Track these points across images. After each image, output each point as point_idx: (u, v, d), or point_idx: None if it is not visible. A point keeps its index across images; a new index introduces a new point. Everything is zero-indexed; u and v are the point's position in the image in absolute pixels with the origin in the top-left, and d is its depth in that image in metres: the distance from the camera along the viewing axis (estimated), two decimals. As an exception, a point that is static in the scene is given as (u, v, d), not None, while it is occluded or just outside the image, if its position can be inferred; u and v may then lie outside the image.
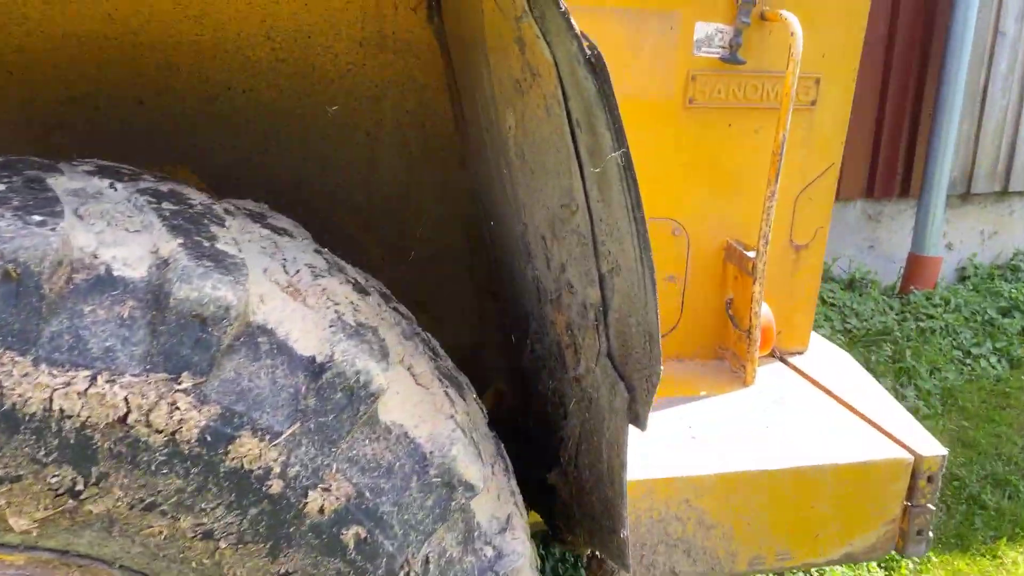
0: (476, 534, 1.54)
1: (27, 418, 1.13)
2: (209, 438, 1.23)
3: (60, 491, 1.18)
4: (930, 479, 2.21)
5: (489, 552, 1.56)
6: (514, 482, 1.76)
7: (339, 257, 2.20)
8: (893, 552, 2.31)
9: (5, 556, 1.27)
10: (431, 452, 1.45)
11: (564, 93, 1.47)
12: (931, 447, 2.27)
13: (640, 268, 1.44)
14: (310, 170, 2.19)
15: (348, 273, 1.60)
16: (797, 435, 2.32)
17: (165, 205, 1.38)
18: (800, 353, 2.80)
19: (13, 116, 1.97)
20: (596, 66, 1.34)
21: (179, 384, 1.21)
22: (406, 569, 1.42)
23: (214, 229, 1.37)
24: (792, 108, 2.32)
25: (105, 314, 1.18)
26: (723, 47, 2.40)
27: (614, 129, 1.37)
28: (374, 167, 2.25)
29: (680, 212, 2.54)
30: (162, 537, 1.29)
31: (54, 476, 1.17)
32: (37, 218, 1.19)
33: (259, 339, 1.29)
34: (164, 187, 1.47)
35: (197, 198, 1.51)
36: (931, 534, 2.26)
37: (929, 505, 2.24)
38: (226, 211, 1.50)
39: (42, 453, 1.15)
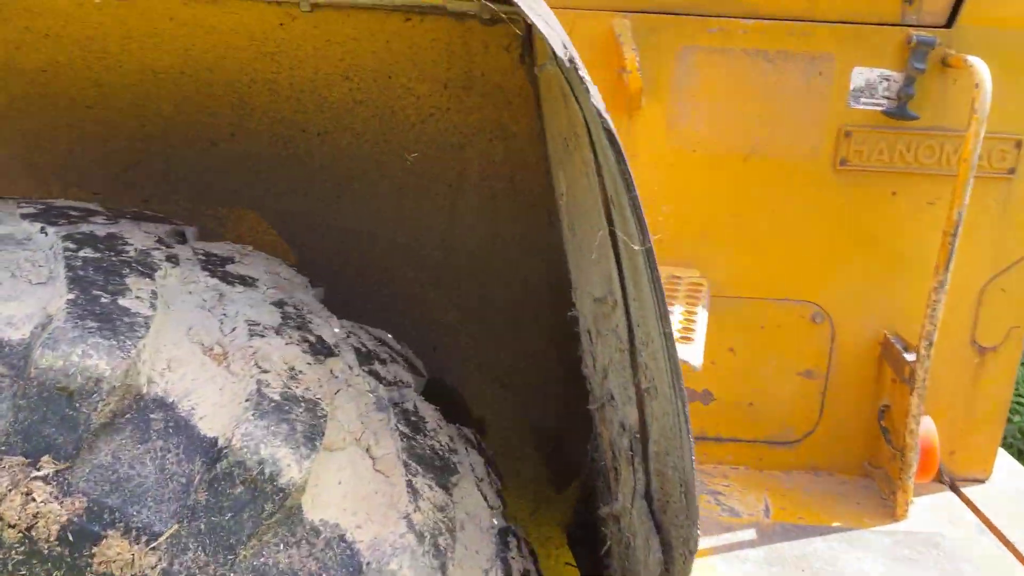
0: None
1: None
2: (71, 537, 1.03)
3: None
4: None
5: None
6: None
7: (407, 317, 1.99)
8: None
9: None
10: (368, 563, 1.17)
11: (597, 161, 1.15)
12: None
13: (673, 396, 1.09)
14: (384, 221, 2.00)
15: (311, 331, 1.36)
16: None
17: (85, 252, 1.21)
18: (980, 482, 2.22)
19: (92, 152, 1.94)
20: (612, 139, 1.01)
21: (37, 470, 1.02)
22: None
23: (131, 281, 1.19)
24: (973, 176, 1.81)
25: None
26: (889, 98, 1.94)
27: (636, 216, 1.03)
28: (454, 221, 2.01)
29: (823, 295, 2.09)
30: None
31: None
32: None
33: (152, 415, 1.08)
34: (104, 231, 1.31)
35: (138, 244, 1.33)
36: None
37: None
38: (169, 258, 1.31)
39: None
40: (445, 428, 1.48)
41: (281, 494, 1.09)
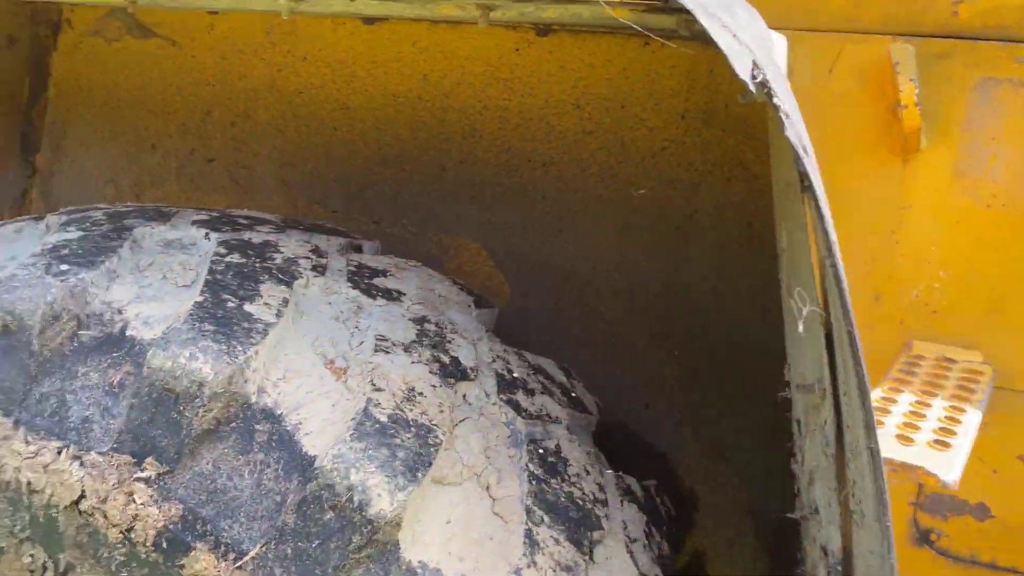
0: None
1: (3, 487, 1.02)
2: (165, 544, 0.99)
3: (37, 573, 1.05)
4: None
5: None
6: None
7: (619, 367, 1.81)
8: None
9: None
10: None
11: (818, 211, 0.91)
12: None
13: (880, 533, 0.81)
14: (603, 260, 1.85)
15: (447, 351, 1.23)
16: None
17: (231, 258, 1.19)
18: None
19: (334, 172, 2.01)
20: (807, 183, 0.78)
21: (141, 471, 0.99)
22: None
23: (264, 288, 1.15)
24: None
25: (98, 379, 1.03)
26: None
27: (838, 287, 0.79)
28: (680, 268, 1.81)
29: None
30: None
31: (28, 556, 1.04)
32: (63, 268, 1.09)
33: (257, 426, 1.02)
34: (261, 239, 1.28)
35: (289, 252, 1.29)
36: None
37: None
38: (315, 267, 1.25)
39: (17, 527, 1.03)
40: (594, 475, 1.29)
41: (370, 526, 0.98)
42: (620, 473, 1.44)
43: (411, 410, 1.11)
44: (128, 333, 1.07)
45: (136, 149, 2.17)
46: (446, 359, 1.23)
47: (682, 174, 1.77)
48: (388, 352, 1.17)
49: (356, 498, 0.99)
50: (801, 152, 0.77)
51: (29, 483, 1.02)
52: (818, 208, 0.77)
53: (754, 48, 0.82)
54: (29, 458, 1.02)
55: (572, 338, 1.90)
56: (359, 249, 1.56)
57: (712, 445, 1.87)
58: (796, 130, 0.78)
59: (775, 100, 0.79)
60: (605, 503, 1.29)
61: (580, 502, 1.24)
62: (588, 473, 1.30)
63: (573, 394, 1.53)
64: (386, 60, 1.92)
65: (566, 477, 1.24)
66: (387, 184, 1.98)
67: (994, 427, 1.53)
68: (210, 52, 2.07)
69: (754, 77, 0.79)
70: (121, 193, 2.23)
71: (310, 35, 1.97)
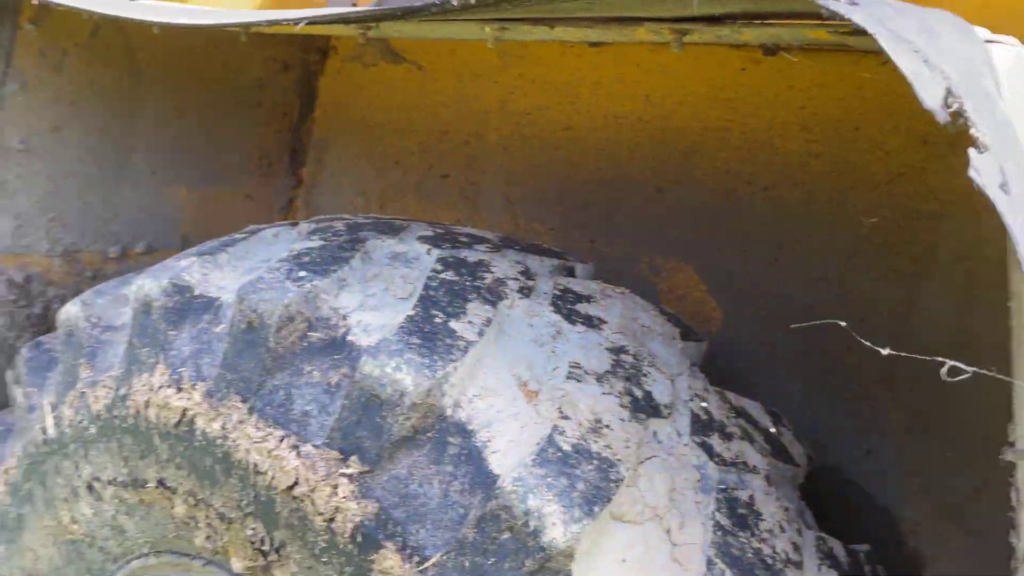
0: None
1: (226, 461, 1.15)
2: (360, 538, 1.06)
3: (256, 544, 1.17)
4: None
5: None
6: None
7: (839, 409, 1.70)
8: None
9: None
10: None
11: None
12: None
13: None
14: (825, 293, 1.73)
15: (640, 385, 1.19)
16: None
17: (445, 275, 1.25)
18: None
19: (553, 190, 2.06)
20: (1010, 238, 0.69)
21: (346, 467, 1.07)
22: None
23: (471, 306, 1.19)
24: None
25: (318, 374, 1.13)
26: None
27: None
28: (912, 306, 1.64)
29: None
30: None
31: (251, 528, 1.16)
32: (302, 274, 1.20)
33: (450, 438, 1.07)
34: (476, 257, 1.33)
35: (500, 273, 1.32)
36: None
37: None
38: (522, 290, 1.27)
39: (231, 485, 1.16)
40: (791, 533, 1.20)
41: (542, 553, 1.00)
42: (823, 535, 1.34)
43: (596, 442, 1.12)
44: (348, 338, 1.18)
45: (383, 164, 2.36)
46: (639, 393, 1.22)
47: (920, 204, 1.61)
48: (580, 380, 1.18)
49: (532, 524, 1.02)
50: (994, 191, 0.68)
51: (255, 465, 1.15)
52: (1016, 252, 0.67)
53: (952, 74, 0.73)
54: (257, 442, 1.15)
55: (786, 370, 1.79)
56: (571, 271, 1.59)
57: (942, 507, 1.67)
58: (996, 164, 0.69)
59: (972, 131, 0.70)
60: (799, 565, 1.21)
61: (769, 560, 1.17)
62: (783, 530, 1.23)
63: (779, 442, 1.44)
64: (609, 81, 1.93)
65: (756, 532, 1.18)
66: (603, 203, 2.00)
67: None
68: (450, 75, 2.20)
69: (947, 106, 0.71)
70: (368, 204, 2.44)
71: (539, 57, 2.03)
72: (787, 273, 1.77)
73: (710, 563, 1.08)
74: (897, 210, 1.63)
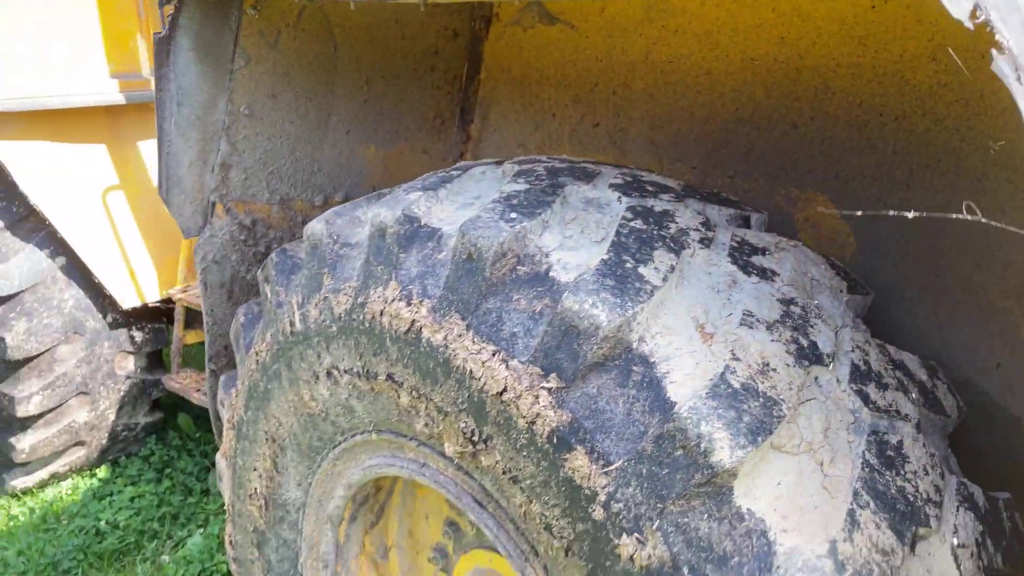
0: None
1: (447, 366, 1.45)
2: (555, 440, 1.32)
3: (467, 435, 1.47)
4: None
5: None
6: None
7: (981, 335, 1.78)
8: None
9: (456, 475, 1.62)
10: (778, 567, 1.19)
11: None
12: None
13: None
14: (954, 219, 1.82)
15: (807, 334, 1.37)
16: None
17: (635, 224, 1.46)
18: None
19: (694, 133, 2.24)
20: None
21: (547, 381, 1.33)
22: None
23: (657, 254, 1.39)
24: None
25: (524, 302, 1.39)
26: None
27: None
28: (1041, 226, 1.71)
29: None
30: (521, 512, 1.45)
31: (464, 422, 1.46)
32: (513, 216, 1.47)
33: (634, 367, 1.29)
34: (662, 207, 1.54)
35: (682, 223, 1.52)
36: None
37: None
38: (702, 240, 1.47)
39: (448, 386, 1.46)
40: (934, 476, 1.36)
41: (710, 470, 1.20)
42: (965, 481, 1.47)
43: (763, 382, 1.29)
44: (550, 274, 1.41)
45: (540, 117, 2.62)
46: (804, 342, 1.39)
47: (1048, 125, 1.67)
48: (752, 327, 1.35)
49: (703, 445, 1.22)
50: (1012, 83, 0.83)
51: (471, 371, 1.44)
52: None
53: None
54: (473, 354, 1.42)
55: (917, 289, 1.90)
56: (747, 220, 1.77)
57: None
58: (1014, 62, 0.84)
59: (997, 37, 0.85)
60: (939, 504, 1.36)
61: (911, 497, 1.33)
62: (927, 473, 1.38)
63: (932, 394, 1.57)
64: (746, 27, 2.09)
65: (901, 472, 1.34)
66: (742, 141, 2.16)
67: None
68: (599, 32, 2.42)
69: (975, 17, 0.86)
70: (528, 154, 2.71)
71: (681, 9, 2.21)
72: (919, 197, 1.88)
73: (856, 494, 1.25)
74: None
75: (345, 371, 1.71)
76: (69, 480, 4.00)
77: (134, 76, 3.63)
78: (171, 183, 2.29)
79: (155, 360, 4.10)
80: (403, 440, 1.69)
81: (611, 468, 1.28)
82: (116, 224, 3.70)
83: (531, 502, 1.40)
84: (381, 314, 1.59)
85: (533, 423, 1.36)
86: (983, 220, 1.20)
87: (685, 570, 1.22)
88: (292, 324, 1.82)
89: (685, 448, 1.22)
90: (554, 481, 1.35)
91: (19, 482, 3.86)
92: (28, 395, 3.55)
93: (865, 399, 1.39)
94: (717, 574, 1.21)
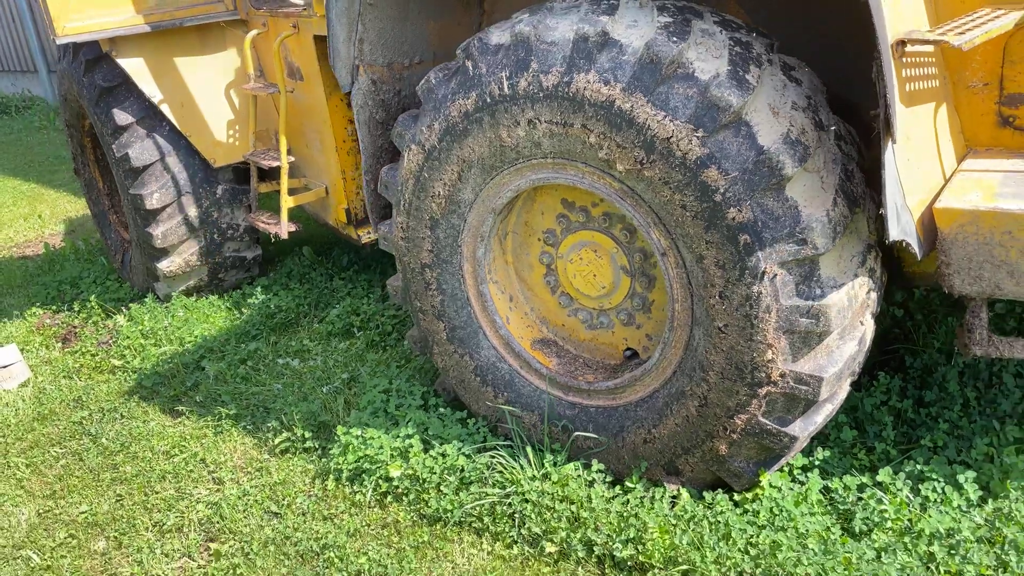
0: (815, 278, 2.75)
1: (631, 122, 2.77)
2: (699, 162, 2.72)
3: (638, 159, 2.81)
4: None
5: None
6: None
7: None
8: None
9: (612, 182, 2.97)
10: (801, 222, 2.74)
11: None
12: None
13: None
14: None
15: (817, 114, 2.80)
16: None
17: (738, 50, 2.79)
18: None
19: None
20: None
21: (696, 132, 2.70)
22: (766, 274, 2.72)
23: (751, 67, 2.74)
24: None
25: (683, 89, 2.72)
26: None
27: None
28: None
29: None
30: (663, 201, 2.84)
31: (637, 152, 2.80)
32: (674, 40, 2.75)
33: (742, 127, 2.68)
34: (745, 39, 2.89)
35: (757, 51, 2.89)
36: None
37: None
38: (768, 60, 2.83)
39: (630, 133, 2.79)
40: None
41: (779, 175, 2.62)
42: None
43: (802, 138, 2.69)
44: (695, 75, 2.65)
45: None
46: (817, 118, 2.79)
47: None
48: (796, 109, 2.66)
49: (776, 164, 2.67)
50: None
51: (649, 125, 2.75)
52: None
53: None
54: (651, 115, 2.74)
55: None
56: (773, 46, 3.17)
57: None
58: None
59: None
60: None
61: (851, 190, 2.94)
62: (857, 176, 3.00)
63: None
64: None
65: (854, 179, 2.84)
66: None
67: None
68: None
69: None
70: None
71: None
72: None
73: (836, 193, 2.82)
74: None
75: (546, 121, 2.96)
76: (239, 290, 5.83)
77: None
78: (335, 55, 3.53)
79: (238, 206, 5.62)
80: (576, 164, 3.00)
81: (728, 177, 2.73)
82: (208, 110, 5.18)
83: (675, 194, 2.82)
84: (584, 89, 2.84)
85: (686, 153, 2.76)
86: None
87: (759, 225, 2.73)
88: (501, 88, 3.00)
89: (768, 167, 2.69)
90: (694, 184, 2.77)
91: (162, 291, 5.61)
92: (161, 233, 5.28)
93: (840, 147, 2.84)
94: (775, 225, 2.72)
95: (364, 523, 3.39)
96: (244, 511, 3.57)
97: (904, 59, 2.60)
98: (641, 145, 2.77)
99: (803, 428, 2.87)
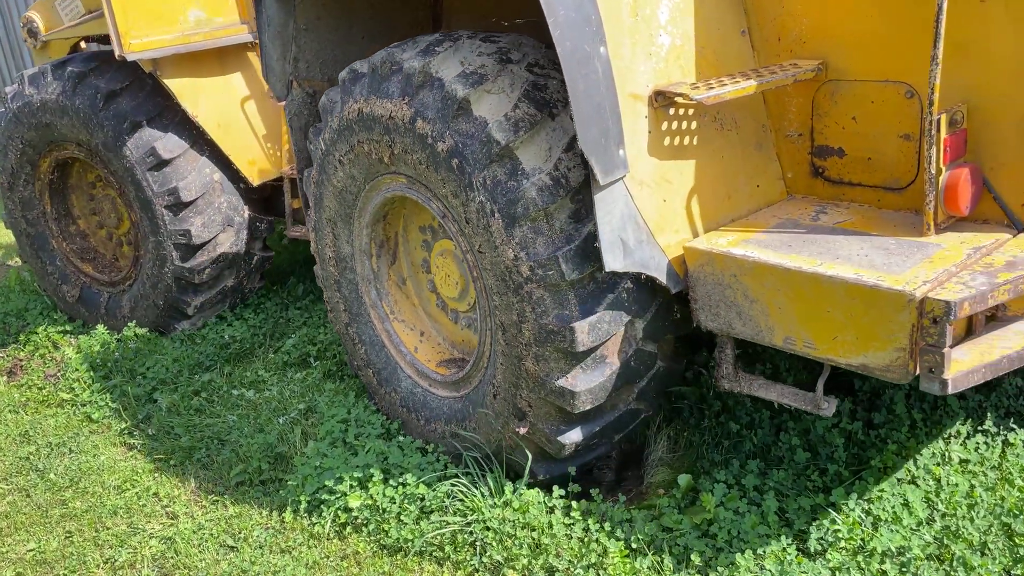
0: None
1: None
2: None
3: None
4: (935, 320, 2.33)
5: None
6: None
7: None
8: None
9: (398, 179, 3.04)
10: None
11: None
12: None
13: None
14: None
15: (510, 56, 3.05)
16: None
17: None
18: None
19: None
20: None
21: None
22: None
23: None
24: None
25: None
26: None
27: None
28: None
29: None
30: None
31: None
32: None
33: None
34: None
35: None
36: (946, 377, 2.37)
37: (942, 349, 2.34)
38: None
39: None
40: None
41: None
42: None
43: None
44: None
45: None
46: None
47: None
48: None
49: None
50: None
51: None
52: None
53: None
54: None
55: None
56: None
57: None
58: None
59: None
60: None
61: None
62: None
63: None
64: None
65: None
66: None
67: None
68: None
69: None
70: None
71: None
72: None
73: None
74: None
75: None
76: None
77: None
78: (268, 71, 3.85)
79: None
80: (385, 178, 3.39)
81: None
82: (245, 129, 5.24)
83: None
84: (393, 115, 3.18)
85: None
86: None
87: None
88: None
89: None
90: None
91: (185, 327, 5.46)
92: (200, 266, 5.24)
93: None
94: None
95: (323, 555, 3.35)
96: (199, 545, 3.50)
97: (668, 110, 2.85)
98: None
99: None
